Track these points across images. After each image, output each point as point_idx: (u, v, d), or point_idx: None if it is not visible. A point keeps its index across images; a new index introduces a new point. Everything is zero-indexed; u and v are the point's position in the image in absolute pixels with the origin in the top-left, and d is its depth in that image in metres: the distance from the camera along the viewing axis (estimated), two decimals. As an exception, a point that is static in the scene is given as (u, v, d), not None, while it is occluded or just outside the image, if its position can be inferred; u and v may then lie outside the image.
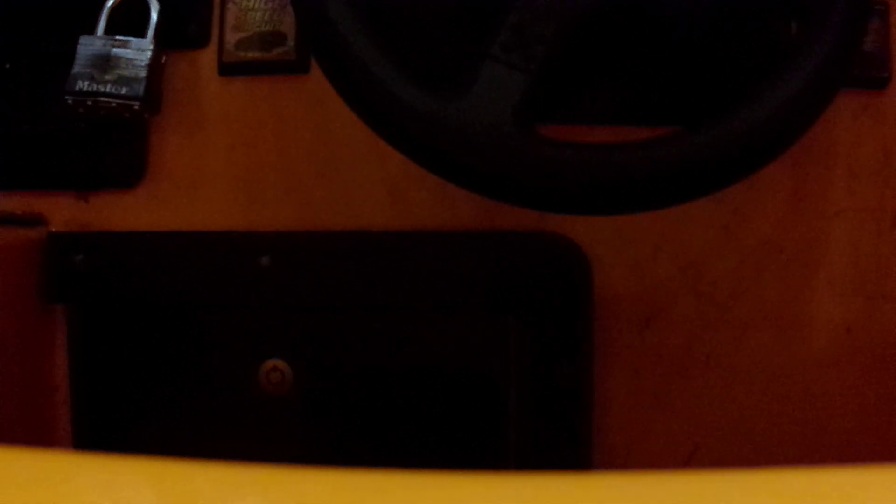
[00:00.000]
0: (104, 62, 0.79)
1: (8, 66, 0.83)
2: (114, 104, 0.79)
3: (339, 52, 0.62)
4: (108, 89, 0.79)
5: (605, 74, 0.80)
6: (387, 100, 0.61)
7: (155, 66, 0.80)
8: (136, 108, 0.79)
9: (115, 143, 0.83)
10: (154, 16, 0.80)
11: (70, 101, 0.79)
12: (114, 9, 0.80)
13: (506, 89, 0.61)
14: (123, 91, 0.79)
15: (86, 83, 0.79)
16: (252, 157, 0.82)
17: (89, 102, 0.79)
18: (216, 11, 0.81)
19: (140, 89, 0.79)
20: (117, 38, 0.79)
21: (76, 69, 0.79)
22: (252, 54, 0.81)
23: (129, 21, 0.79)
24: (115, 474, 0.35)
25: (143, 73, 0.79)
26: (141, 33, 0.79)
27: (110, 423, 0.85)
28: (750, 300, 0.81)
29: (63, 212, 0.83)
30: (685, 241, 0.81)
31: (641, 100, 0.79)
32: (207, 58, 0.82)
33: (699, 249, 0.81)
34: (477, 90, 0.61)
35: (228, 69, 0.81)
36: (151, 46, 0.79)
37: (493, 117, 0.60)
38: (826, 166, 0.80)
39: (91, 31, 0.79)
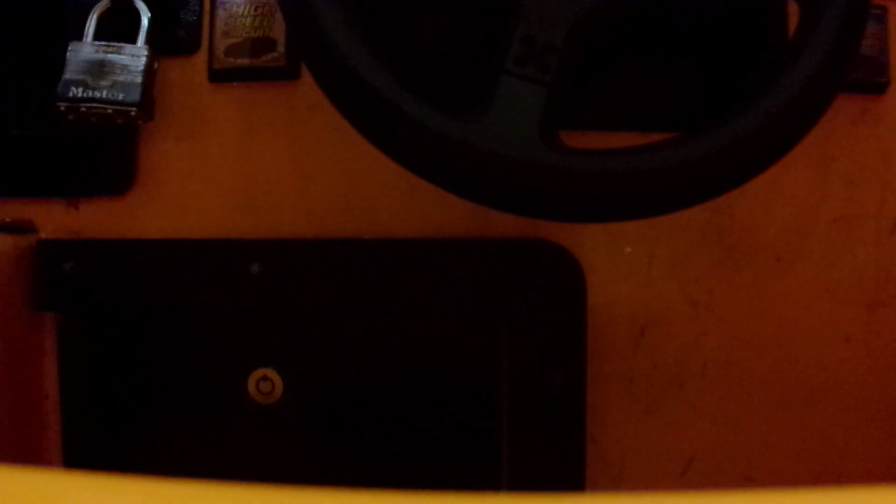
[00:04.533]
0: (98, 68, 0.79)
1: (-4, 72, 0.83)
2: (109, 110, 0.79)
3: (345, 75, 0.61)
4: (104, 95, 0.78)
5: (601, 80, 0.79)
6: (402, 123, 0.60)
7: (149, 71, 0.79)
8: (133, 113, 0.78)
9: (106, 150, 0.82)
10: (145, 21, 0.79)
11: (62, 108, 0.78)
12: (101, 15, 0.79)
13: (526, 104, 0.60)
14: (120, 97, 0.79)
15: (80, 89, 0.78)
16: (243, 163, 0.82)
17: (83, 109, 0.79)
18: (206, 18, 0.80)
19: (137, 95, 0.78)
20: (110, 43, 0.79)
21: (68, 75, 0.78)
22: (242, 60, 0.80)
23: (116, 27, 0.79)
24: (105, 494, 0.34)
25: (139, 79, 0.79)
26: (128, 40, 0.79)
27: (100, 431, 0.85)
28: (747, 309, 0.80)
29: (53, 219, 0.83)
30: (680, 248, 0.80)
31: (637, 105, 0.78)
32: (198, 64, 0.81)
33: (694, 257, 0.80)
34: (497, 108, 0.60)
35: (219, 75, 0.81)
36: (146, 52, 0.79)
37: (519, 135, 0.59)
38: (824, 172, 0.79)
39: (79, 37, 0.79)
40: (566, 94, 0.62)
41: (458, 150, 0.60)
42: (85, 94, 0.78)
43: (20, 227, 0.83)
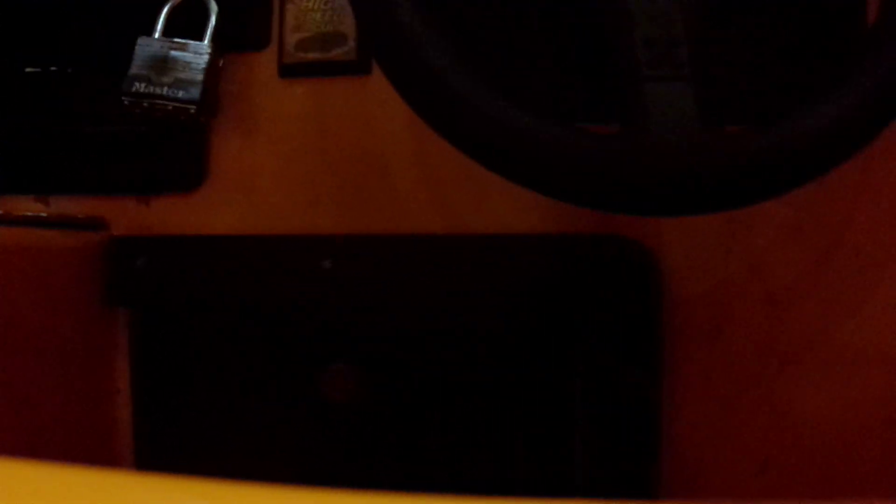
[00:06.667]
0: (161, 64, 0.79)
1: (70, 70, 0.83)
2: (170, 107, 0.79)
3: (468, 117, 0.57)
4: (164, 92, 0.78)
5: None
6: (552, 154, 0.57)
7: (212, 69, 0.79)
8: (192, 111, 0.78)
9: (176, 146, 0.82)
10: (213, 18, 0.79)
11: (126, 103, 0.79)
12: (173, 10, 0.79)
13: (679, 104, 0.58)
14: (180, 94, 0.78)
15: (142, 85, 0.79)
16: (313, 159, 0.81)
17: (145, 104, 0.79)
18: (276, 12, 0.80)
19: (196, 93, 0.78)
20: (175, 40, 0.79)
21: (133, 70, 0.78)
22: (312, 55, 0.79)
23: (188, 23, 0.79)
24: (175, 497, 0.34)
25: (199, 77, 0.78)
26: (200, 35, 0.79)
27: (170, 426, 0.85)
28: (825, 304, 0.78)
29: (125, 215, 0.83)
30: (757, 243, 0.78)
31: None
32: (267, 60, 0.81)
33: (772, 252, 0.78)
34: (654, 118, 0.58)
35: (288, 70, 0.80)
36: (209, 50, 0.79)
37: (686, 137, 0.57)
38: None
39: (150, 32, 0.79)
40: (710, 82, 0.60)
41: (636, 169, 0.57)
42: (147, 90, 0.79)
43: (92, 224, 0.83)
